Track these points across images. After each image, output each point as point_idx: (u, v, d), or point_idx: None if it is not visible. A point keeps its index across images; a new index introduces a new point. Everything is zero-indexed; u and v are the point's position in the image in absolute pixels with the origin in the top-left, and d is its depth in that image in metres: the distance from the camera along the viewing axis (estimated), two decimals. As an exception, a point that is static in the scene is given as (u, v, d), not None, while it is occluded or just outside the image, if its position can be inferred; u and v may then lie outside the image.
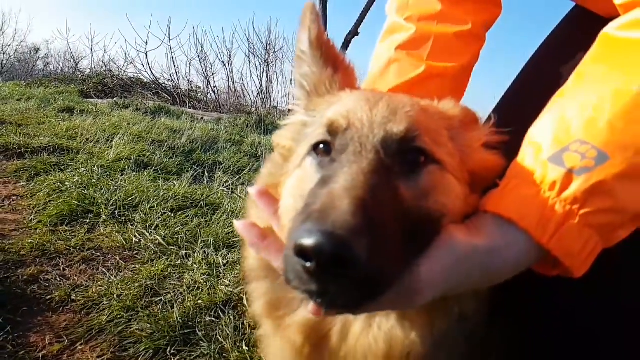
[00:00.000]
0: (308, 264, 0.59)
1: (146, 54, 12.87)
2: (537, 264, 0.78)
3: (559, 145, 0.74)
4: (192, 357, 2.03)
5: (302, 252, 0.59)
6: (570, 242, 0.70)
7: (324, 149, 0.83)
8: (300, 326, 0.90)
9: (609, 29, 0.84)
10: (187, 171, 4.41)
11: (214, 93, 12.61)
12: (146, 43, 12.84)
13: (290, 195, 0.85)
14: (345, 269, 0.58)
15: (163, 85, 12.65)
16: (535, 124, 0.82)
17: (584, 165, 0.70)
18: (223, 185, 4.10)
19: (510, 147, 0.87)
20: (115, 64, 14.40)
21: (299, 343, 0.91)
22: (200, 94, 12.80)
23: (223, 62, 12.45)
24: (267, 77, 11.85)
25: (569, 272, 0.75)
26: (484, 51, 1.43)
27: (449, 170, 0.82)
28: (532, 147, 0.78)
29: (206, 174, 4.45)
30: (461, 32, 1.36)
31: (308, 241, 0.57)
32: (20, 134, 5.21)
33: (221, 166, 4.96)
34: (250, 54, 12.20)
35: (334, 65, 1.01)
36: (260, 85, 11.79)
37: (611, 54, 0.82)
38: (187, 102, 11.48)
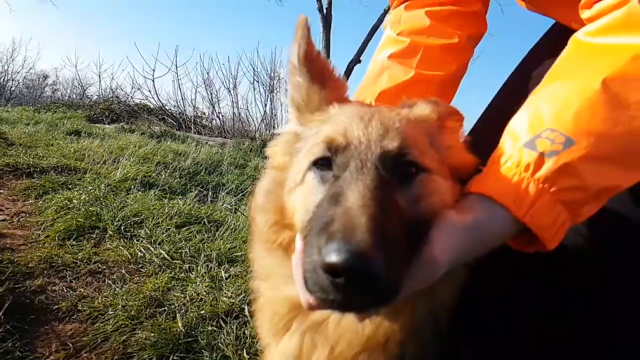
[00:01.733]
0: (338, 280, 0.68)
1: (153, 80, 13.16)
2: (516, 242, 0.89)
3: (533, 133, 0.85)
4: (194, 364, 2.08)
5: (331, 269, 0.67)
6: (542, 216, 0.81)
7: (323, 164, 0.92)
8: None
9: (578, 35, 0.97)
10: (192, 191, 4.50)
11: (219, 119, 12.83)
12: (153, 70, 13.15)
13: (299, 211, 0.93)
14: (369, 284, 0.68)
15: (169, 111, 12.88)
16: (513, 118, 0.93)
17: (553, 149, 0.81)
18: (226, 205, 4.18)
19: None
20: (122, 90, 14.72)
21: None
22: (205, 120, 13.00)
23: (228, 88, 12.71)
24: (271, 103, 12.07)
25: (542, 246, 0.84)
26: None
27: (435, 173, 0.92)
28: (510, 136, 0.89)
29: (210, 193, 4.54)
30: (448, 45, 1.49)
31: (338, 260, 0.66)
32: (29, 154, 5.36)
33: (224, 187, 5.06)
34: (255, 81, 12.46)
35: (322, 79, 1.08)
36: (265, 112, 11.99)
37: (579, 56, 0.94)
38: (193, 127, 11.67)
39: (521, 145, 0.85)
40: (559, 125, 0.83)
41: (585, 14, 1.02)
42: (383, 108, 1.04)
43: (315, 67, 1.07)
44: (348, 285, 0.68)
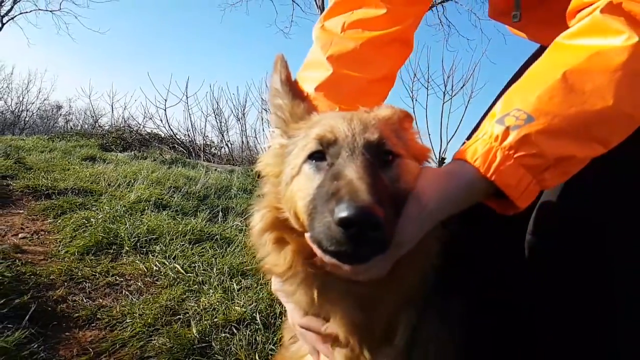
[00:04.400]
0: (350, 230, 0.84)
1: (165, 110, 13.51)
2: (497, 207, 1.08)
3: (504, 112, 1.04)
4: (208, 368, 2.19)
5: (344, 222, 0.84)
6: (507, 176, 0.99)
7: (317, 157, 1.10)
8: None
9: (558, 38, 1.15)
10: (203, 211, 4.65)
11: (228, 147, 13.09)
12: (165, 100, 13.50)
13: (299, 197, 1.09)
14: (374, 232, 0.85)
15: (179, 139, 13.17)
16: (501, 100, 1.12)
17: (517, 124, 0.99)
18: (236, 223, 4.33)
19: None
20: (134, 119, 15.09)
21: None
22: (214, 148, 13.27)
23: (237, 117, 13.01)
24: (279, 132, 12.30)
25: (514, 206, 1.03)
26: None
27: (406, 157, 1.13)
28: (490, 116, 1.08)
29: (220, 214, 4.69)
30: (374, 80, 1.62)
31: (350, 213, 0.82)
32: (47, 177, 5.56)
33: (234, 210, 5.20)
34: (263, 110, 12.74)
35: (300, 97, 1.31)
36: (269, 153, 12.19)
37: (552, 53, 1.13)
38: (202, 155, 11.92)
39: (494, 121, 1.04)
40: (524, 106, 1.01)
41: (570, 23, 1.20)
42: (357, 111, 1.25)
43: (293, 87, 1.31)
44: (358, 234, 0.84)
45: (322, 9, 13.50)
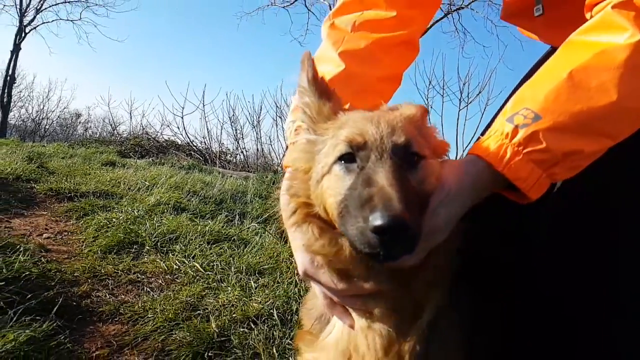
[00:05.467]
0: (384, 237, 0.92)
1: (182, 118, 13.73)
2: (513, 197, 1.14)
3: (513, 110, 1.10)
4: (227, 360, 2.26)
5: (379, 230, 0.92)
6: (518, 170, 1.06)
7: (347, 159, 1.15)
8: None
9: (572, 35, 1.20)
10: (220, 213, 4.75)
11: (243, 154, 13.24)
12: (183, 108, 13.73)
13: (330, 195, 1.15)
14: (404, 236, 0.93)
15: (196, 146, 13.36)
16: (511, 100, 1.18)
17: (525, 122, 1.06)
18: (252, 225, 4.41)
19: None
20: (152, 127, 15.36)
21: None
22: (229, 155, 13.42)
23: (253, 124, 13.15)
24: (293, 138, 12.39)
25: (526, 197, 1.09)
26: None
27: (429, 158, 1.17)
28: (502, 114, 1.14)
29: (237, 218, 4.77)
30: (383, 77, 1.67)
31: (384, 223, 0.90)
32: (69, 181, 5.72)
33: (250, 214, 5.29)
34: (278, 117, 12.88)
35: (327, 96, 1.34)
36: (287, 147, 12.29)
37: (561, 52, 1.19)
38: (218, 162, 12.07)
39: (504, 119, 1.10)
40: (532, 105, 1.08)
41: (587, 16, 1.26)
42: (383, 112, 1.29)
43: (320, 86, 1.34)
44: (391, 240, 0.93)
45: (336, 17, 13.61)
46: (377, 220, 0.91)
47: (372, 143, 1.12)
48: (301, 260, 1.26)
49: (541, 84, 1.13)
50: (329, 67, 1.62)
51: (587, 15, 1.26)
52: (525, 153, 1.05)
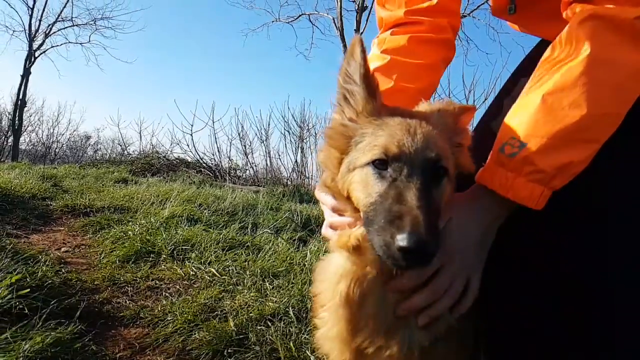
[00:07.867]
0: (408, 255, 1.03)
1: (191, 135, 13.89)
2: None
3: (502, 140, 1.25)
4: (246, 357, 2.31)
5: (404, 250, 1.02)
6: (520, 191, 1.19)
7: (379, 164, 1.22)
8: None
9: (542, 58, 1.29)
10: (233, 224, 4.83)
11: (252, 169, 13.35)
12: (192, 125, 13.89)
13: (358, 190, 1.24)
14: (426, 256, 1.05)
15: (206, 163, 13.50)
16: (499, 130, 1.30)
17: (513, 151, 1.20)
18: (265, 231, 4.49)
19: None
20: (162, 145, 15.53)
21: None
22: (239, 171, 13.53)
23: (261, 139, 13.27)
24: (301, 152, 12.53)
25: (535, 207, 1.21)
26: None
27: (450, 177, 1.26)
28: (497, 142, 1.27)
29: (250, 227, 4.85)
30: (422, 64, 1.80)
31: (410, 245, 1.01)
32: (83, 198, 5.85)
33: (262, 225, 5.36)
34: (286, 132, 13.00)
35: (374, 95, 1.35)
36: (296, 160, 12.43)
37: (536, 74, 1.29)
38: (228, 178, 12.19)
39: (497, 149, 1.25)
40: (515, 134, 1.22)
41: (564, 14, 1.33)
42: (421, 120, 1.31)
43: (370, 83, 1.34)
44: (414, 259, 1.04)
45: (341, 30, 13.86)
46: (404, 241, 1.01)
47: (407, 156, 1.19)
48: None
49: (521, 112, 1.25)
50: (375, 64, 1.78)
51: (564, 14, 1.33)
52: (523, 175, 1.18)
